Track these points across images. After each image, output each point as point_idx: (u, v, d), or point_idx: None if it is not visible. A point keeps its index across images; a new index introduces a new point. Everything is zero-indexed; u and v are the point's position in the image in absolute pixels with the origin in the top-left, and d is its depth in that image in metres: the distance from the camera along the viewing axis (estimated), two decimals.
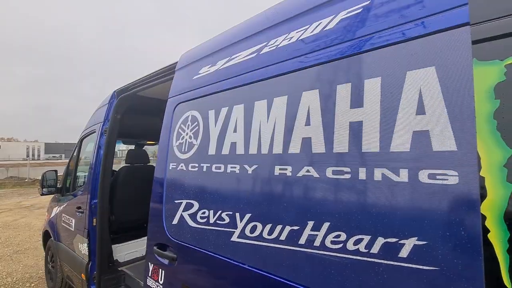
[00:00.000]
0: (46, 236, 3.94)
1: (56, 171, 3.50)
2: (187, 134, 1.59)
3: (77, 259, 2.91)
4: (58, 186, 3.48)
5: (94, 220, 2.72)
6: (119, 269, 2.99)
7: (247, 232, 1.14)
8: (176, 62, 1.99)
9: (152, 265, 1.65)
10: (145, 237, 3.43)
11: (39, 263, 4.70)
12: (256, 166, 1.16)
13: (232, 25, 1.66)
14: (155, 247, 1.62)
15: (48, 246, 3.79)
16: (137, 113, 3.33)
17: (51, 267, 3.66)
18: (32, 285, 3.89)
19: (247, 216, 1.15)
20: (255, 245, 1.10)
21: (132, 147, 4.04)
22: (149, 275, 1.66)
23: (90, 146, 3.19)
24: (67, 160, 3.68)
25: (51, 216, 3.71)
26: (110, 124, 2.78)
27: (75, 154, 3.45)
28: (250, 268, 1.11)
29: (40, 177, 3.44)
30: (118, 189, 3.08)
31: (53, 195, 3.90)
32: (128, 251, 3.25)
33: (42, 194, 3.42)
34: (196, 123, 1.55)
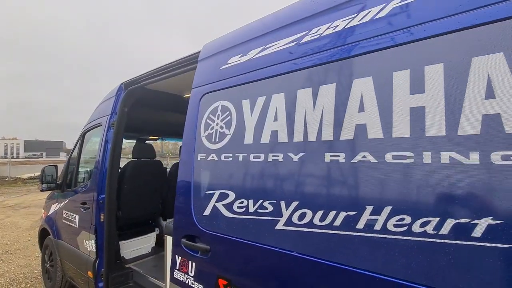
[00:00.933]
0: (42, 234, 3.79)
1: (56, 166, 3.37)
2: (217, 124, 1.57)
3: (82, 257, 2.82)
4: (58, 182, 3.35)
5: (102, 215, 2.64)
6: (126, 266, 2.92)
7: (294, 219, 1.14)
8: (197, 53, 1.96)
9: (179, 257, 1.62)
10: (151, 234, 3.40)
11: (32, 263, 4.52)
12: (303, 154, 1.16)
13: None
14: (183, 239, 1.59)
15: (46, 245, 3.65)
16: (144, 106, 3.26)
17: (49, 266, 3.53)
18: (28, 285, 3.73)
19: (294, 204, 1.15)
20: (305, 232, 1.10)
21: (132, 142, 3.95)
22: (177, 268, 1.63)
23: (95, 140, 3.09)
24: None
25: (49, 213, 3.57)
26: (118, 117, 2.71)
27: (76, 148, 3.33)
28: (299, 255, 1.10)
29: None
30: (125, 184, 3.00)
31: (49, 192, 3.76)
32: (134, 247, 3.18)
33: (42, 190, 3.28)
34: (228, 112, 1.53)
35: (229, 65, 1.62)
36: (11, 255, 4.88)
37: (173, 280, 1.64)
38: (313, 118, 1.16)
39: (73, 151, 3.42)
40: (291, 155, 1.20)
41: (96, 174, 2.75)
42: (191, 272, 1.54)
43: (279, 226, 1.18)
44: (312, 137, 1.15)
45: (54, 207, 3.49)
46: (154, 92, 3.20)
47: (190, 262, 1.55)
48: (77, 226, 2.94)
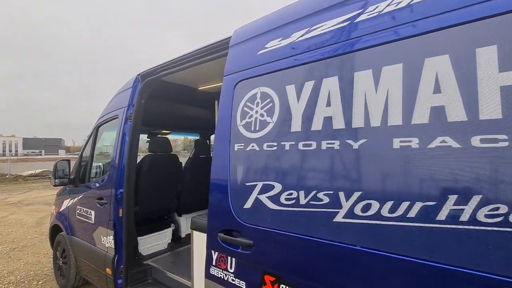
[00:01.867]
0: (54, 230, 3.70)
1: (68, 160, 3.28)
2: (256, 112, 1.48)
3: (99, 253, 2.74)
4: (70, 177, 3.25)
5: (120, 211, 2.56)
6: (144, 262, 2.84)
7: (357, 211, 1.05)
8: (225, 39, 1.87)
9: (216, 253, 1.54)
10: (167, 229, 3.32)
11: (41, 260, 4.43)
12: (365, 140, 1.08)
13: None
14: (221, 234, 1.51)
15: (58, 241, 3.56)
16: (159, 99, 3.16)
17: (61, 263, 3.44)
18: (40, 283, 3.65)
19: (356, 194, 1.06)
20: (371, 225, 1.02)
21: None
22: (214, 264, 1.54)
23: (110, 133, 2.99)
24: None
25: (62, 209, 3.48)
26: (135, 110, 2.61)
27: (90, 142, 3.23)
28: (364, 249, 1.02)
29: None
30: (142, 178, 2.91)
31: (60, 188, 3.67)
32: (151, 244, 3.10)
33: (55, 185, 3.19)
34: (269, 100, 1.43)
35: (267, 49, 1.52)
36: (20, 253, 4.79)
37: (210, 276, 1.56)
38: (377, 102, 1.07)
39: (86, 145, 3.33)
40: (350, 142, 1.11)
41: (114, 168, 2.66)
42: (230, 268, 1.46)
43: (338, 218, 1.10)
44: (375, 122, 1.06)
45: (66, 203, 3.40)
46: (170, 84, 3.11)
47: (229, 257, 1.47)
48: (93, 222, 2.85)
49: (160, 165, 3.10)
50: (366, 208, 1.03)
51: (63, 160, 3.26)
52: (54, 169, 3.16)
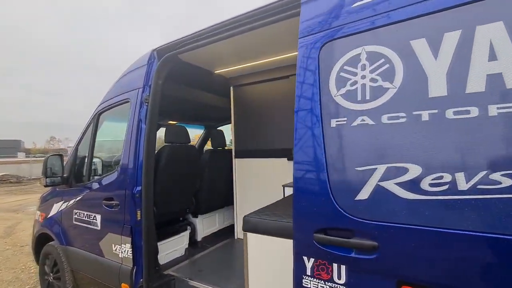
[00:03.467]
0: (39, 241, 3.10)
1: (61, 155, 2.72)
2: (363, 77, 1.15)
3: (110, 266, 2.26)
4: (64, 175, 2.70)
5: (138, 213, 2.11)
6: (165, 273, 2.41)
7: None
8: None
9: (312, 260, 1.19)
10: (184, 233, 2.87)
11: (20, 276, 3.76)
12: None
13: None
14: (317, 235, 1.17)
15: (46, 253, 2.97)
16: (173, 82, 2.72)
17: (52, 279, 2.87)
18: None
19: None
20: None
21: None
22: (309, 273, 1.20)
23: (118, 121, 2.51)
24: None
25: (51, 214, 2.90)
26: (152, 91, 2.17)
27: (88, 134, 2.70)
28: None
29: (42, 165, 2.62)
30: (160, 173, 2.47)
31: (47, 190, 3.08)
32: (168, 250, 2.66)
33: (46, 185, 2.63)
34: (383, 60, 1.12)
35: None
36: None
37: None
38: None
39: (81, 137, 2.78)
40: None
41: (127, 162, 2.20)
42: (339, 278, 1.12)
43: None
44: None
45: (57, 207, 2.83)
46: (186, 65, 2.69)
47: (335, 265, 1.13)
48: (99, 228, 2.36)
49: (179, 158, 2.66)
50: None
51: (54, 155, 2.69)
52: (44, 167, 2.59)
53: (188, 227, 2.93)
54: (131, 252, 2.12)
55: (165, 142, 2.61)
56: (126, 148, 2.24)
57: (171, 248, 2.70)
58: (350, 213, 1.11)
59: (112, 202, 2.25)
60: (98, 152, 2.67)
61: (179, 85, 2.86)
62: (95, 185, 2.47)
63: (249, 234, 1.67)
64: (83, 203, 2.55)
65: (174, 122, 3.64)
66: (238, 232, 3.32)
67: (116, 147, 2.52)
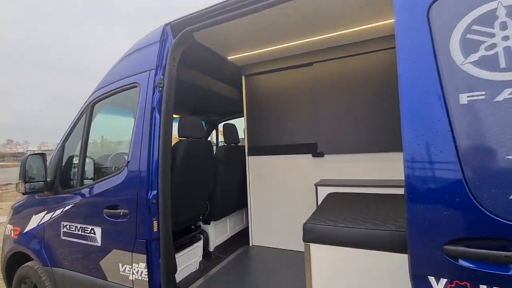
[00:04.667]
0: (12, 260, 2.51)
1: (43, 154, 2.20)
2: (507, 38, 0.88)
3: None
4: (47, 179, 2.18)
5: (155, 223, 1.71)
6: None
7: None
8: None
9: (446, 280, 0.89)
10: (197, 244, 2.47)
11: None
12: None
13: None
14: (449, 247, 0.88)
15: (21, 277, 2.42)
16: (185, 66, 2.33)
17: None
18: None
19: None
20: None
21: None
22: None
23: (120, 112, 2.06)
24: None
25: (30, 228, 2.35)
26: (167, 73, 1.78)
27: (78, 128, 2.21)
28: None
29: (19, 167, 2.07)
30: (176, 174, 2.06)
31: (22, 198, 2.53)
32: (182, 265, 2.25)
33: (25, 193, 2.10)
34: None
35: None
36: None
37: None
38: None
39: (69, 134, 2.27)
40: None
41: (140, 159, 1.77)
42: None
43: None
44: None
45: (38, 219, 2.30)
46: (200, 46, 2.31)
47: (484, 287, 0.85)
48: (99, 244, 1.90)
49: (197, 155, 2.26)
50: None
51: (35, 154, 2.16)
52: (22, 169, 2.06)
53: (201, 236, 2.53)
54: (146, 272, 1.69)
55: (179, 137, 2.19)
56: (135, 142, 1.81)
57: (186, 262, 2.29)
58: (502, 217, 0.83)
59: (118, 211, 1.81)
60: (93, 150, 2.19)
61: (190, 70, 2.46)
62: (92, 191, 2.00)
63: (313, 246, 1.35)
64: (74, 213, 2.06)
65: (178, 116, 3.20)
66: (254, 238, 2.98)
67: (120, 142, 2.07)
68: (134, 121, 1.86)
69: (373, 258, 1.24)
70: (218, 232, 2.75)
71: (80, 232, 2.00)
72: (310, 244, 1.35)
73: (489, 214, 0.84)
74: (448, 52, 0.96)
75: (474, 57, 0.92)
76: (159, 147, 1.73)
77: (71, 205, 2.08)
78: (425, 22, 1.01)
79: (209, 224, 2.63)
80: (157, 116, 1.78)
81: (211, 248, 2.64)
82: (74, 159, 2.22)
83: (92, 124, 2.17)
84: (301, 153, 2.74)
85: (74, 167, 2.20)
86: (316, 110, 2.66)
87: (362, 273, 1.25)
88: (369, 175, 2.44)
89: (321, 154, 2.65)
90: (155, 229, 1.71)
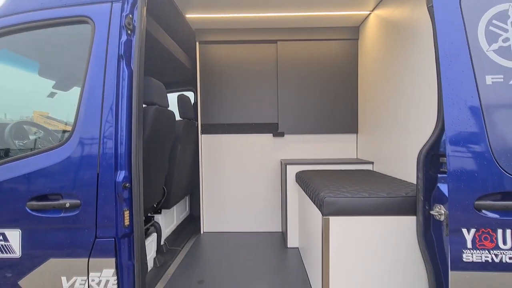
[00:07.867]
0: None
1: None
2: None
3: None
4: None
5: (126, 214, 1.31)
6: None
7: None
8: None
9: (474, 230, 1.07)
10: (150, 238, 2.12)
11: None
12: None
13: None
14: (479, 202, 1.07)
15: None
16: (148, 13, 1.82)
17: None
18: None
19: None
20: None
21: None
22: (470, 246, 1.06)
23: (47, 54, 1.39)
24: None
25: None
26: (139, 13, 1.37)
27: None
28: None
29: None
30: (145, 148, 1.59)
31: None
32: None
33: None
34: None
35: None
36: None
37: (465, 266, 1.07)
38: None
39: None
40: None
41: (99, 127, 1.26)
42: (504, 243, 1.07)
43: None
44: None
45: None
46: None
47: (500, 231, 1.07)
48: (18, 256, 1.25)
49: (163, 130, 1.80)
50: None
51: None
52: None
53: (154, 228, 2.08)
54: (115, 281, 1.25)
55: (144, 103, 1.67)
56: (90, 102, 1.27)
57: None
58: None
59: (61, 202, 1.24)
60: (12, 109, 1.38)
61: (149, 16, 1.93)
62: (3, 172, 1.28)
63: (333, 218, 1.35)
64: None
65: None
66: (205, 225, 2.72)
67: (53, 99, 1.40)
68: (85, 73, 1.29)
69: (386, 223, 1.36)
70: (167, 222, 2.34)
71: None
72: (330, 217, 1.35)
73: (507, 173, 1.07)
74: (477, 39, 1.13)
75: (495, 46, 1.12)
76: (130, 112, 1.29)
77: None
78: (459, 9, 1.15)
79: (160, 213, 2.19)
80: (126, 69, 1.31)
81: (162, 242, 2.22)
82: None
83: None
84: (262, 132, 2.67)
85: None
86: (278, 90, 2.64)
87: (378, 237, 1.36)
88: (325, 154, 2.66)
89: (281, 134, 2.67)
90: (127, 222, 1.28)
